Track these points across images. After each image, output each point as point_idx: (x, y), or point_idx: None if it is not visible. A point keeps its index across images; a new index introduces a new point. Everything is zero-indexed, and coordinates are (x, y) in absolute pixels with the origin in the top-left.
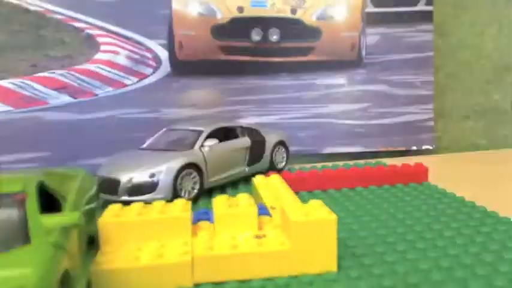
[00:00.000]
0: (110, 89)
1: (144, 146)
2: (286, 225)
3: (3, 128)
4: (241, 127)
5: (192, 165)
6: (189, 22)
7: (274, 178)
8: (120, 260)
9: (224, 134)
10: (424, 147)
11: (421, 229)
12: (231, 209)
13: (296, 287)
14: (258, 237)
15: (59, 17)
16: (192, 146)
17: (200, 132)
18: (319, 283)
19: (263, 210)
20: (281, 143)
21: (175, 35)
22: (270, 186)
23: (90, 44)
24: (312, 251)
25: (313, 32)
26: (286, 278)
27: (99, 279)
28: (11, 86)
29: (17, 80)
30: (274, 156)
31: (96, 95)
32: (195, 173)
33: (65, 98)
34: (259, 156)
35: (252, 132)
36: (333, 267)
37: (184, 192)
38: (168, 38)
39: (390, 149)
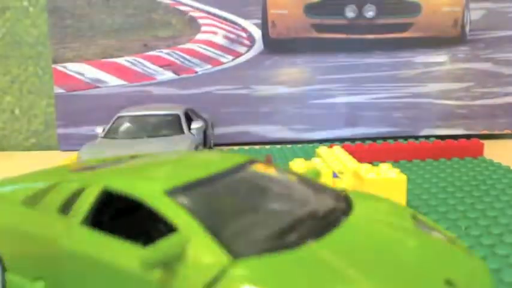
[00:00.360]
0: (209, 66)
1: (103, 135)
2: (359, 184)
3: (119, 99)
4: (189, 109)
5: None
6: (282, 1)
7: (337, 149)
8: None
9: (187, 117)
10: None
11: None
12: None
13: None
14: None
15: (167, 1)
16: (181, 129)
17: (178, 116)
18: None
19: (333, 174)
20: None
21: (268, 14)
22: (334, 156)
23: (193, 25)
24: None
25: (412, 7)
26: None
27: None
28: (126, 63)
29: (131, 58)
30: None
31: (196, 72)
32: None
33: (170, 75)
34: (209, 136)
35: (196, 114)
36: None
37: None
38: (262, 18)
39: (495, 132)
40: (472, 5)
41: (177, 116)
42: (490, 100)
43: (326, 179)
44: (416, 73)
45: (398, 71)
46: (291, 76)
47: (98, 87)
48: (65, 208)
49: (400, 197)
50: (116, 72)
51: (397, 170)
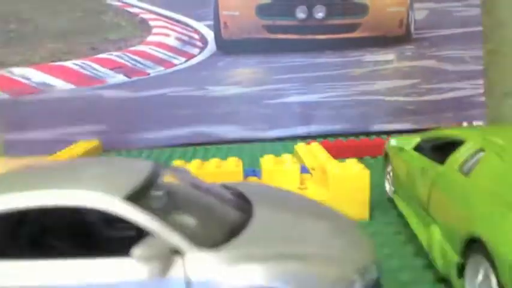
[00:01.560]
0: (161, 68)
1: None
2: (325, 179)
3: (67, 104)
4: None
5: None
6: (234, 2)
7: (314, 146)
8: None
9: None
10: (475, 123)
11: None
12: (277, 166)
13: None
14: (300, 189)
15: (117, 3)
16: None
17: None
18: None
19: (304, 170)
20: None
21: (220, 16)
22: (310, 152)
23: (143, 27)
24: (347, 201)
25: (359, 8)
26: None
27: None
28: (74, 66)
29: (79, 61)
30: None
31: (148, 74)
32: None
33: (121, 77)
34: None
35: None
36: (365, 215)
37: None
38: (214, 19)
39: (441, 125)
40: (416, 5)
41: None
42: (436, 96)
43: (293, 175)
44: (366, 71)
45: (349, 69)
46: (244, 76)
47: (46, 91)
48: None
49: (363, 191)
50: (64, 75)
51: (361, 166)
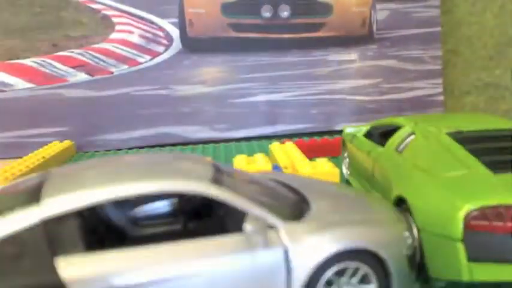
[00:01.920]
0: (125, 66)
1: None
2: None
3: (27, 104)
4: None
5: None
6: (199, 0)
7: (288, 145)
8: None
9: None
10: None
11: None
12: (249, 166)
13: None
14: None
15: None
16: None
17: None
18: None
19: (277, 169)
20: None
21: (185, 13)
22: (284, 151)
23: (106, 24)
24: None
25: (324, 8)
26: None
27: None
28: (33, 64)
29: (39, 59)
30: None
31: (112, 72)
32: None
33: (83, 76)
34: None
35: None
36: None
37: None
38: (179, 17)
39: None
40: (377, 6)
41: None
42: (396, 95)
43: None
44: (330, 71)
45: (314, 69)
46: (210, 75)
47: (3, 90)
48: None
49: None
50: (22, 74)
51: (331, 164)
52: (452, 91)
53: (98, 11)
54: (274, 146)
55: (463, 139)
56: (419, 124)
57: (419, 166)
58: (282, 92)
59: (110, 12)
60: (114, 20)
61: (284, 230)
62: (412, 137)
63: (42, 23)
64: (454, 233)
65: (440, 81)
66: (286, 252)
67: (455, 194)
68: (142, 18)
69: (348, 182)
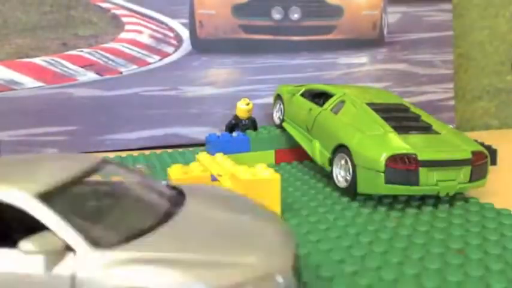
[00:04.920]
0: (134, 66)
1: None
2: (236, 184)
3: (36, 103)
4: None
5: None
6: (210, 1)
7: (218, 155)
8: None
9: None
10: None
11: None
12: (187, 175)
13: None
14: None
15: None
16: None
17: None
18: None
19: (212, 178)
20: None
21: (196, 14)
22: (213, 160)
23: (116, 23)
24: None
25: (334, 10)
26: None
27: None
28: (43, 63)
29: (49, 58)
30: None
31: (121, 72)
32: None
33: (92, 75)
34: None
35: None
36: None
37: None
38: (189, 17)
39: None
40: (389, 9)
41: None
42: (407, 99)
43: (204, 183)
44: (340, 74)
45: (323, 71)
46: (219, 77)
47: (13, 89)
48: None
49: (274, 194)
50: (32, 73)
51: (271, 170)
52: (463, 96)
53: (108, 10)
54: (202, 155)
55: (376, 109)
56: (346, 94)
57: (353, 125)
58: None
59: (119, 12)
60: (124, 19)
61: (82, 255)
62: (343, 103)
63: (52, 21)
64: (379, 168)
65: (451, 85)
66: (73, 282)
67: (378, 146)
68: (152, 18)
69: (281, 127)
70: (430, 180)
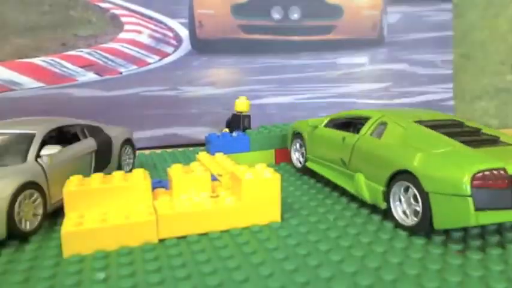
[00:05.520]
0: (134, 67)
1: None
2: (237, 184)
3: (36, 103)
4: (81, 125)
5: (31, 185)
6: (209, 1)
7: (218, 155)
8: (90, 222)
9: (61, 136)
10: None
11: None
12: (188, 174)
13: (247, 235)
14: (213, 197)
15: None
16: (24, 157)
17: (31, 137)
18: (266, 231)
19: (212, 177)
20: (128, 142)
21: (195, 14)
22: (214, 160)
23: (115, 23)
24: (260, 205)
25: (334, 10)
26: (239, 229)
27: (69, 241)
28: (42, 63)
29: (48, 58)
30: (121, 157)
31: (121, 72)
32: (36, 194)
33: (92, 76)
34: (106, 160)
35: (94, 130)
36: (277, 218)
37: (25, 223)
38: (189, 17)
39: None
40: (389, 9)
41: (30, 138)
42: (407, 99)
43: (205, 183)
44: (340, 74)
45: (323, 71)
46: (219, 77)
47: (13, 89)
48: None
49: (274, 194)
50: (32, 73)
51: (271, 170)
52: (463, 96)
53: (107, 10)
54: (202, 155)
55: (428, 126)
56: (385, 116)
57: (409, 145)
58: (291, 95)
59: (118, 12)
60: (123, 19)
61: None
62: (385, 125)
63: (51, 22)
64: (463, 191)
65: (451, 85)
66: None
67: (455, 163)
68: (151, 18)
69: (304, 169)
70: None
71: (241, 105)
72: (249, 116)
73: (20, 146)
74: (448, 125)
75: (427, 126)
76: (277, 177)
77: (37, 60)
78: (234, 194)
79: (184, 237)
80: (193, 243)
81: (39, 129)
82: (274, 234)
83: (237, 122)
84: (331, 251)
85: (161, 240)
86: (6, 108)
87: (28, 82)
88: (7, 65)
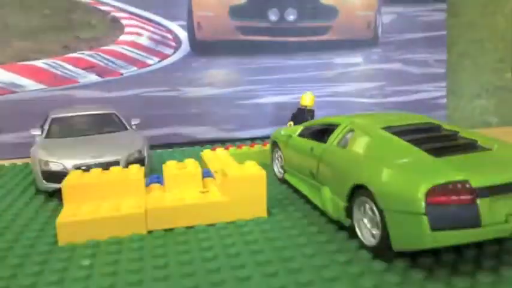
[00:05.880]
0: (134, 68)
1: (44, 136)
2: (224, 181)
3: (37, 105)
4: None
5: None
6: (207, 3)
7: (220, 151)
8: (83, 214)
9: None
10: None
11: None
12: (179, 171)
13: (233, 229)
14: (202, 192)
15: (87, 0)
16: (123, 126)
17: (115, 115)
18: (251, 225)
19: (207, 173)
20: None
21: (194, 16)
22: (216, 157)
23: (115, 26)
24: (246, 201)
25: (329, 11)
26: (225, 223)
27: (63, 230)
28: (44, 65)
29: (50, 60)
30: None
31: (122, 74)
32: None
33: (93, 77)
34: None
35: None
36: (263, 213)
37: None
38: (187, 19)
39: None
40: (383, 9)
41: (114, 114)
42: (400, 97)
43: (196, 179)
44: (336, 74)
45: (319, 71)
46: (218, 78)
47: (14, 91)
48: None
49: (261, 190)
50: (33, 75)
51: (258, 167)
52: (462, 94)
53: (107, 13)
54: (206, 153)
55: (396, 132)
56: (354, 123)
57: (370, 156)
58: (289, 94)
59: (118, 14)
60: (123, 22)
61: None
62: (352, 133)
63: (52, 24)
64: (416, 208)
65: (444, 84)
66: None
67: (411, 177)
68: (151, 20)
69: (284, 181)
70: (496, 217)
71: (307, 99)
72: (312, 111)
73: (113, 120)
74: (421, 130)
75: (395, 132)
76: (263, 174)
77: (38, 63)
78: (221, 190)
79: (172, 229)
80: (179, 235)
81: (113, 110)
82: (257, 228)
83: (301, 116)
84: (307, 245)
85: (149, 232)
86: (8, 111)
87: (29, 84)
88: (8, 67)
